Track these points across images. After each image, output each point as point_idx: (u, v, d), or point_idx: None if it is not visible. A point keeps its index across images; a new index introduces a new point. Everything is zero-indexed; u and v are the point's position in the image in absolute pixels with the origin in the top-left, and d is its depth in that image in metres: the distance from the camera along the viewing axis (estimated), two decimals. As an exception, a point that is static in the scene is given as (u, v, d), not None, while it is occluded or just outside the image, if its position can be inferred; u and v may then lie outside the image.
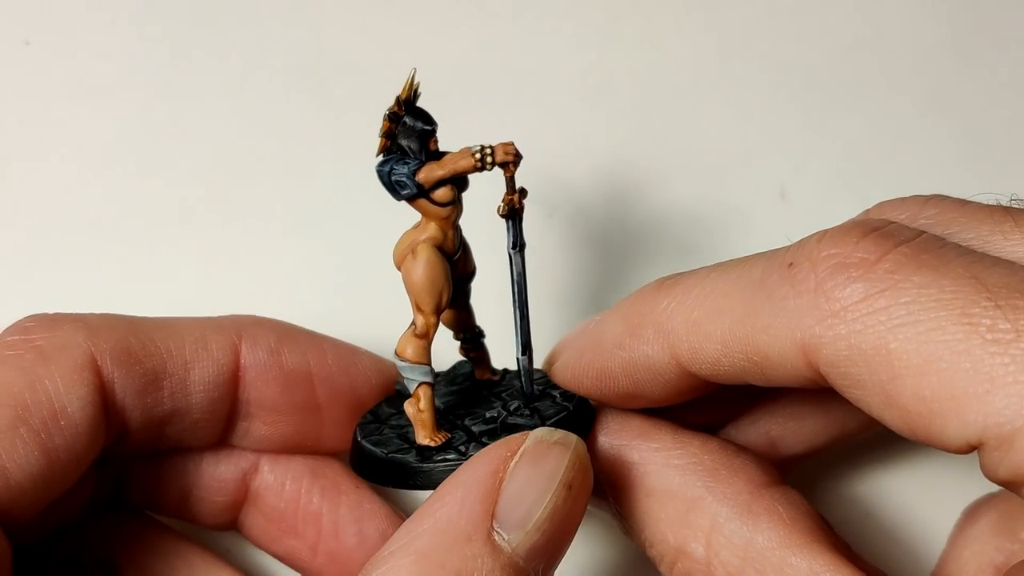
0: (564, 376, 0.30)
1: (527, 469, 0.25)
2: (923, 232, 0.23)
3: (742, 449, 0.29)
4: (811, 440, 0.33)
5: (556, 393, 0.31)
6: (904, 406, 0.21)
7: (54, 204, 0.41)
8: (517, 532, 0.25)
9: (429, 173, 0.29)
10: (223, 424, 0.32)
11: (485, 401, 0.32)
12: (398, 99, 0.28)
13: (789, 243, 0.25)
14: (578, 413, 0.30)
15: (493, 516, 0.25)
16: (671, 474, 0.28)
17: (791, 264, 0.24)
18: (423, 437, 0.30)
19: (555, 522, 0.25)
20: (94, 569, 0.32)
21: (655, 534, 0.28)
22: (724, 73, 0.44)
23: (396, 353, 0.30)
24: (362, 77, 0.42)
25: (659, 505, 0.28)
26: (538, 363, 0.32)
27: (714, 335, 0.25)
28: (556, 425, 0.29)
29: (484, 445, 0.28)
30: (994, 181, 0.43)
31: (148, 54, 0.42)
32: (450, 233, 0.29)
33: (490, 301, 0.33)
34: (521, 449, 0.26)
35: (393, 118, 0.28)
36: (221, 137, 0.42)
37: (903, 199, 0.27)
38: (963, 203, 0.26)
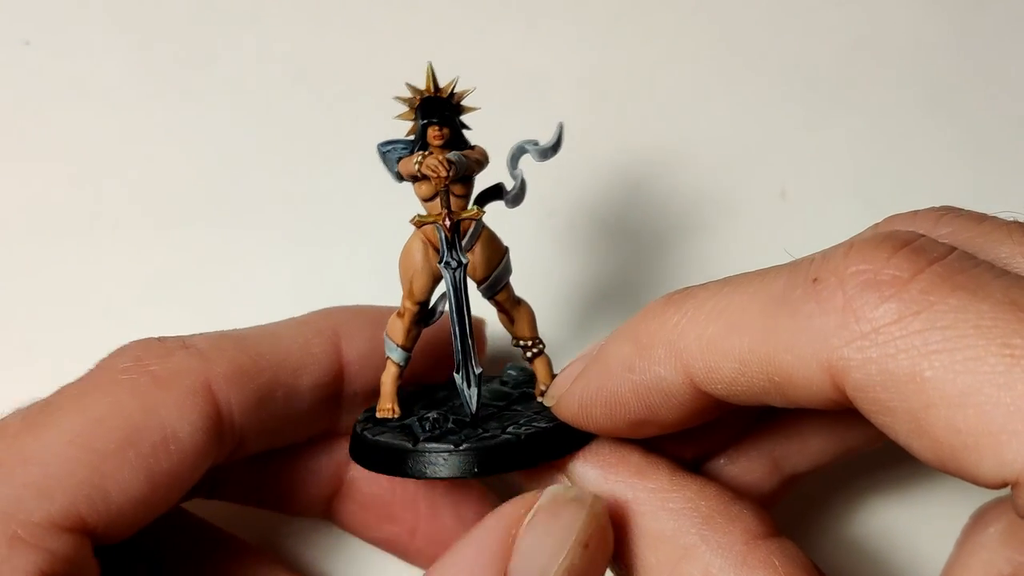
0: (571, 409, 0.28)
1: (542, 527, 0.25)
2: (955, 248, 0.22)
3: (739, 496, 0.28)
4: (815, 457, 0.32)
5: (522, 419, 0.30)
6: (936, 437, 0.20)
7: (53, 204, 0.41)
8: None
9: (403, 166, 0.29)
10: (330, 418, 0.33)
11: (501, 411, 0.31)
12: (418, 91, 0.29)
13: (790, 257, 0.25)
14: (522, 444, 0.28)
15: (506, 574, 0.24)
16: (665, 518, 0.27)
17: (816, 279, 0.22)
18: (379, 408, 0.31)
19: None
20: (147, 565, 0.32)
21: None
22: (724, 73, 0.44)
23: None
24: (362, 77, 0.42)
25: (650, 549, 0.27)
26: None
27: (731, 353, 0.24)
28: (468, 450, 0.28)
29: (414, 434, 0.29)
30: (994, 181, 0.43)
31: (148, 54, 0.42)
32: (435, 232, 0.29)
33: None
34: (535, 507, 0.25)
35: (416, 106, 0.29)
36: (221, 137, 0.42)
37: (915, 213, 0.26)
38: (979, 219, 0.25)
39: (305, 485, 0.34)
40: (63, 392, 0.28)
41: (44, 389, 0.29)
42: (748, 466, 0.32)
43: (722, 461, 0.32)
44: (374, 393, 0.32)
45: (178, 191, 0.41)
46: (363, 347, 0.32)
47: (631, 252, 0.42)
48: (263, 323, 0.32)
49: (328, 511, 0.35)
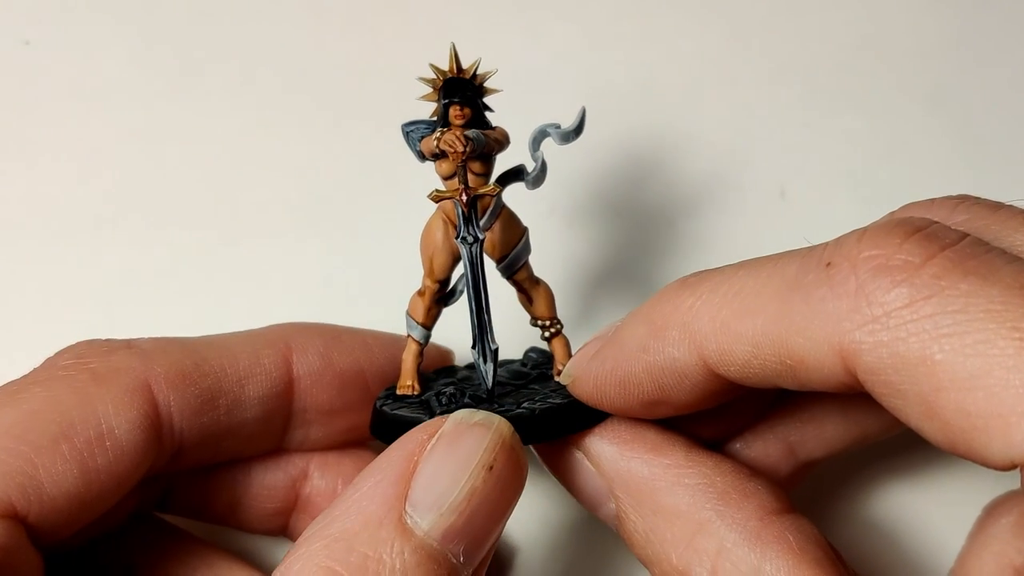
0: (586, 388, 0.28)
1: (443, 451, 0.25)
2: (967, 235, 0.22)
3: (755, 473, 0.28)
4: (831, 444, 0.32)
5: (537, 396, 0.30)
6: (946, 419, 0.21)
7: (54, 204, 0.41)
8: (430, 514, 0.24)
9: (424, 144, 0.30)
10: (279, 433, 0.33)
11: (518, 389, 0.31)
12: (441, 71, 0.29)
13: (807, 244, 0.25)
14: (544, 417, 0.29)
15: (406, 499, 0.24)
16: (681, 493, 0.27)
17: (829, 264, 0.23)
18: (399, 385, 0.31)
19: (474, 504, 0.25)
20: (116, 574, 0.32)
21: (659, 553, 0.27)
22: (725, 73, 0.44)
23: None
24: (361, 77, 0.42)
25: (666, 524, 0.27)
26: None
27: (744, 336, 0.24)
28: (514, 422, 0.28)
29: (431, 408, 0.29)
30: (994, 181, 0.43)
31: (148, 54, 0.42)
32: (455, 210, 0.30)
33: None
34: (439, 432, 0.25)
35: (439, 87, 0.29)
36: (222, 136, 0.42)
37: (931, 201, 0.26)
38: (995, 207, 0.25)
39: (259, 500, 0.34)
40: (3, 388, 0.28)
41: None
42: (764, 450, 0.32)
43: (738, 445, 0.32)
44: (325, 412, 0.32)
45: (178, 191, 0.41)
46: (315, 363, 0.32)
47: (630, 251, 0.42)
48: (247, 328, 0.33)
49: (285, 528, 0.34)
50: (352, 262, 0.41)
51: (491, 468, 0.25)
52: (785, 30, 0.44)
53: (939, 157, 0.43)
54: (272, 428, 0.32)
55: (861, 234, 0.23)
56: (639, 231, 0.42)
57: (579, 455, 0.29)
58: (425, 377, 0.32)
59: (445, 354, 0.36)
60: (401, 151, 0.31)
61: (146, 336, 0.31)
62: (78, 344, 0.30)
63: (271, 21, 0.43)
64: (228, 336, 0.32)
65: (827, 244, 0.23)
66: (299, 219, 0.41)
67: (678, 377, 0.26)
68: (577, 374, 0.29)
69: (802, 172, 0.43)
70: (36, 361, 0.30)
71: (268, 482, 0.34)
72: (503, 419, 0.26)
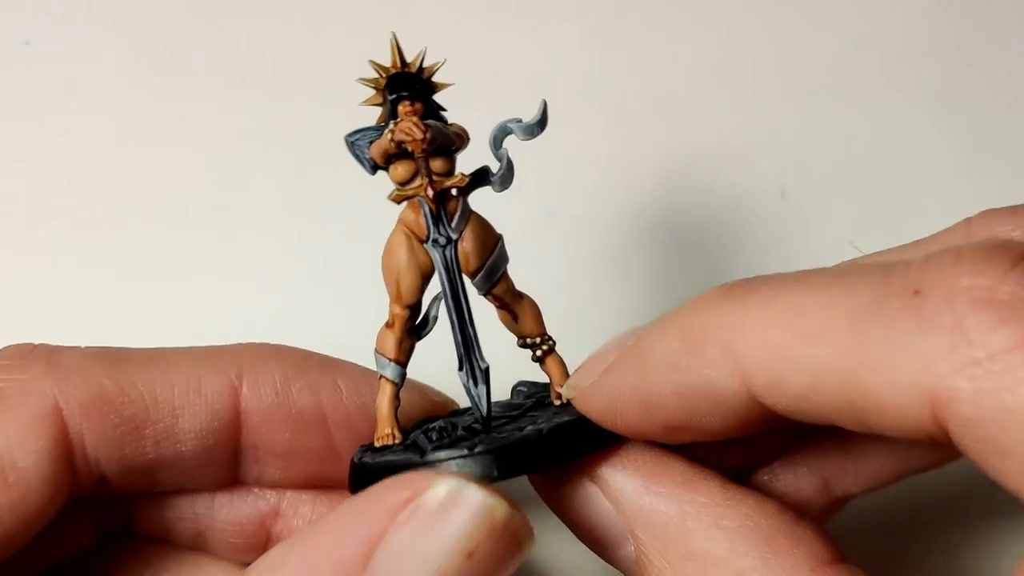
0: (596, 404, 0.25)
1: (419, 525, 0.21)
2: None
3: (802, 516, 0.25)
4: (872, 479, 0.28)
5: (540, 419, 0.26)
6: None
7: (54, 204, 0.41)
8: None
9: (375, 148, 0.26)
10: (226, 469, 0.29)
11: (515, 419, 0.27)
12: (383, 68, 0.26)
13: (856, 251, 0.22)
14: (547, 442, 0.25)
15: (365, 570, 0.21)
16: (718, 536, 0.23)
17: (918, 291, 0.19)
18: (377, 436, 0.27)
19: None
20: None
21: None
22: (724, 73, 0.44)
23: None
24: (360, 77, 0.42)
25: (698, 572, 0.23)
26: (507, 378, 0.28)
27: (803, 365, 0.20)
28: (509, 452, 0.24)
29: (420, 447, 0.25)
30: (995, 181, 0.43)
31: (148, 54, 0.42)
32: (417, 217, 0.26)
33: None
34: (420, 500, 0.21)
35: (383, 86, 0.26)
36: (221, 137, 0.42)
37: (1013, 209, 0.23)
38: None
39: (225, 535, 0.30)
40: None
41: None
42: (794, 483, 0.28)
43: (764, 476, 0.28)
44: (279, 454, 0.28)
45: (178, 191, 0.41)
46: (268, 398, 0.28)
47: (630, 252, 0.42)
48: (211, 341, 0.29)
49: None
50: (340, 269, 0.40)
51: (471, 555, 0.21)
52: (785, 30, 0.44)
53: (939, 157, 0.43)
54: (217, 464, 0.29)
55: (956, 257, 0.19)
56: (636, 233, 0.42)
57: (592, 488, 0.25)
58: (404, 429, 0.27)
59: (439, 405, 0.31)
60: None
61: (90, 344, 0.28)
62: (2, 351, 0.27)
63: (272, 21, 0.43)
64: (170, 353, 0.28)
65: (911, 264, 0.20)
66: (288, 221, 0.41)
67: (713, 403, 0.22)
68: (585, 387, 0.25)
69: (802, 172, 0.43)
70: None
71: (233, 517, 0.30)
72: (501, 501, 0.22)
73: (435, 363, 0.28)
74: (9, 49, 0.42)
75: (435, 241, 0.26)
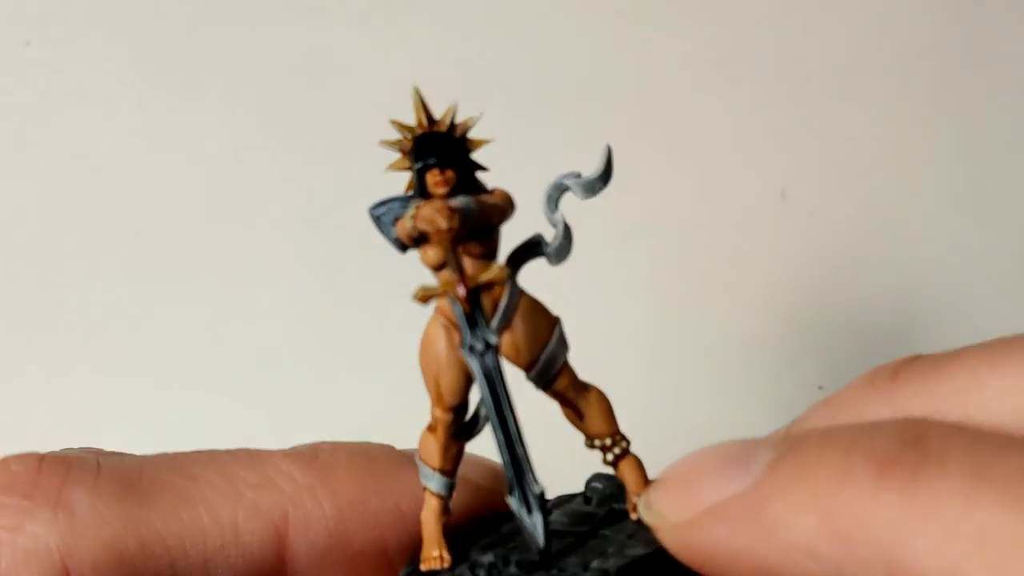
0: (690, 549, 0.20)
1: None
2: None
3: None
4: None
5: (610, 547, 0.22)
6: None
7: (53, 205, 0.41)
8: None
9: (400, 228, 0.22)
10: None
11: (582, 539, 0.23)
12: (408, 128, 0.22)
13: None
14: None
15: None
16: None
17: None
18: (423, 557, 0.23)
19: None
20: None
21: None
22: (724, 73, 0.44)
23: None
24: (361, 78, 0.42)
25: None
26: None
27: None
28: None
29: None
30: (995, 181, 0.43)
31: (148, 54, 0.42)
32: (451, 306, 0.22)
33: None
34: None
35: (409, 150, 0.22)
36: (223, 137, 0.42)
37: (874, 375, 0.21)
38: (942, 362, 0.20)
39: None
40: None
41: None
42: None
43: None
44: None
45: (179, 192, 0.41)
46: (320, 542, 0.24)
47: (629, 252, 0.42)
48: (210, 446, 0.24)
49: None
50: (367, 283, 0.41)
51: None
52: (785, 30, 0.44)
53: (939, 157, 0.43)
54: None
55: None
56: (638, 234, 0.42)
57: None
58: (457, 533, 0.23)
59: (496, 494, 0.25)
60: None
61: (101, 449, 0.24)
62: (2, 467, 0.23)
63: (273, 21, 0.43)
64: (200, 481, 0.23)
65: None
66: (304, 222, 0.41)
67: None
68: (676, 523, 0.20)
69: (802, 172, 0.43)
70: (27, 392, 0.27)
71: None
72: None
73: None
74: (9, 49, 0.42)
75: (471, 348, 0.22)
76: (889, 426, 0.18)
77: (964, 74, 0.44)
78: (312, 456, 0.24)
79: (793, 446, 0.19)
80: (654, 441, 0.24)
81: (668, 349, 0.42)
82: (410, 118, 0.21)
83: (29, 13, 0.42)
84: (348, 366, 0.41)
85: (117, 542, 0.22)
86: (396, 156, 0.22)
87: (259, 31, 0.43)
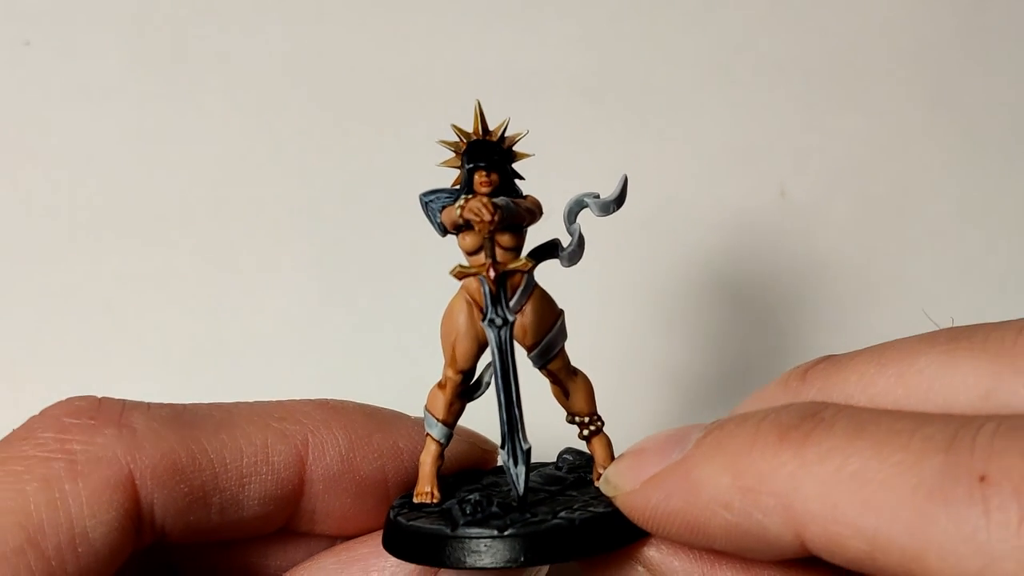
0: (637, 512, 0.24)
1: None
2: None
3: None
4: None
5: (576, 504, 0.26)
6: None
7: (54, 205, 0.41)
8: None
9: (446, 215, 0.27)
10: (278, 524, 0.29)
11: (553, 496, 0.27)
12: (465, 134, 0.27)
13: (933, 324, 0.22)
14: (580, 535, 0.25)
15: None
16: None
17: (984, 478, 0.18)
18: (416, 491, 0.28)
19: None
20: None
21: None
22: (725, 72, 0.44)
23: None
24: (361, 78, 0.42)
25: None
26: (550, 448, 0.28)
27: (863, 532, 0.20)
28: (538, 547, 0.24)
29: (453, 518, 0.26)
30: (994, 181, 0.43)
31: (148, 54, 0.42)
32: (479, 288, 0.27)
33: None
34: None
35: (462, 151, 0.27)
36: (221, 137, 0.42)
37: (786, 379, 0.24)
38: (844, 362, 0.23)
39: None
40: None
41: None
42: None
43: None
44: (335, 517, 0.29)
45: (179, 192, 0.41)
46: (334, 467, 0.28)
47: (629, 253, 0.42)
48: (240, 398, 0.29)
49: None
50: (373, 277, 0.40)
51: None
52: (785, 29, 0.44)
53: (939, 157, 0.43)
54: (275, 522, 0.29)
55: None
56: (637, 234, 0.42)
57: (640, 571, 0.25)
58: (446, 482, 0.28)
59: (479, 457, 0.31)
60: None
61: (142, 399, 0.28)
62: (61, 408, 0.27)
63: (273, 22, 0.43)
64: (235, 414, 0.28)
65: (976, 438, 0.19)
66: (303, 222, 0.41)
67: (763, 545, 0.22)
68: (626, 493, 0.25)
69: (802, 172, 0.43)
70: (26, 394, 0.28)
71: (286, 563, 0.30)
72: None
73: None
74: (9, 49, 0.42)
75: (491, 321, 0.27)
76: (794, 405, 0.22)
77: (965, 73, 0.44)
78: (325, 402, 0.29)
79: (716, 425, 0.23)
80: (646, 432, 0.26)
81: (668, 349, 0.42)
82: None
83: (29, 13, 0.42)
84: (348, 365, 0.41)
85: (171, 452, 0.26)
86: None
87: (259, 31, 0.43)
